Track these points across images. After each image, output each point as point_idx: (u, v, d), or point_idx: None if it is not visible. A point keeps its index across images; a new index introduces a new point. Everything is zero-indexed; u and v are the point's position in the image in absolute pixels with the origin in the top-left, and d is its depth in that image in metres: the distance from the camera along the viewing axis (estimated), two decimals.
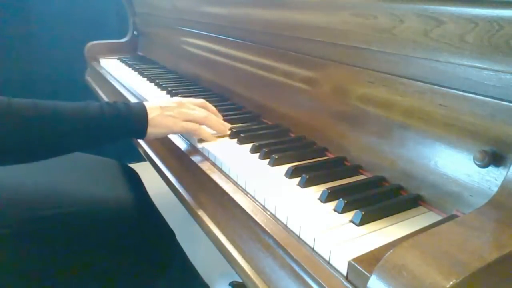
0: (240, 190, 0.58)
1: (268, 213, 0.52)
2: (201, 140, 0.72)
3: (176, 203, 0.76)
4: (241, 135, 0.72)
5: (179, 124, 0.70)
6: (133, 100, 1.07)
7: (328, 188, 0.52)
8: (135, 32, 1.75)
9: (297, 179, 0.57)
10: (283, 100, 0.81)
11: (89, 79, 1.57)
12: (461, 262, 0.31)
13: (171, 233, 0.93)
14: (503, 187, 0.42)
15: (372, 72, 0.62)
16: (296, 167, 0.59)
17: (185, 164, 0.73)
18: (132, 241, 0.81)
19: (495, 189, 0.43)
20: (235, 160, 0.64)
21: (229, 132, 0.75)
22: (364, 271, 0.37)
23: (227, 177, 0.62)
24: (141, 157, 0.93)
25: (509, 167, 0.42)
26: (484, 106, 0.47)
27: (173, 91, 1.04)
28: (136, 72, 1.32)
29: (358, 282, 0.38)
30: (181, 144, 0.76)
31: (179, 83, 1.17)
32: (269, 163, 0.63)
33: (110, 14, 1.92)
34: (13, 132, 0.58)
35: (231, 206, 0.56)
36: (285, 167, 0.60)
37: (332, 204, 0.50)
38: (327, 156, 0.67)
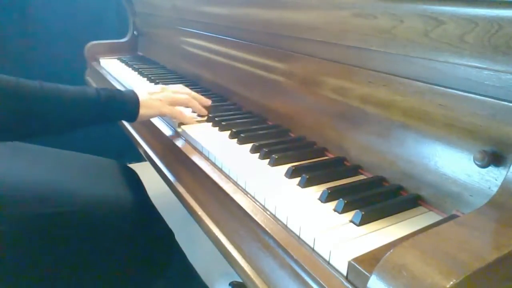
0: (240, 190, 0.58)
1: (268, 213, 0.52)
2: (181, 124, 0.81)
3: (175, 203, 0.76)
4: (241, 135, 0.72)
5: (166, 106, 0.80)
6: None
7: (328, 188, 0.52)
8: (135, 32, 1.75)
9: (297, 179, 0.57)
10: (283, 100, 0.81)
11: (89, 79, 1.57)
12: (461, 262, 0.31)
13: (170, 233, 0.93)
14: (503, 187, 0.42)
15: (372, 72, 0.62)
16: (296, 167, 0.59)
17: (185, 164, 0.73)
18: (131, 241, 0.81)
19: (495, 189, 0.43)
20: (235, 160, 0.64)
21: (206, 117, 0.85)
22: (364, 271, 0.37)
23: (227, 177, 0.61)
24: (140, 157, 0.93)
25: (509, 167, 0.42)
26: (484, 106, 0.47)
27: None
28: (136, 72, 1.32)
29: (358, 282, 0.38)
30: (181, 144, 0.76)
31: (179, 83, 1.17)
32: (269, 163, 0.63)
33: (110, 14, 1.92)
34: (20, 109, 0.64)
35: (231, 206, 0.56)
36: (285, 167, 0.60)
37: (332, 204, 0.50)
38: (327, 156, 0.67)
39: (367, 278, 0.33)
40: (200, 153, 0.71)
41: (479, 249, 0.33)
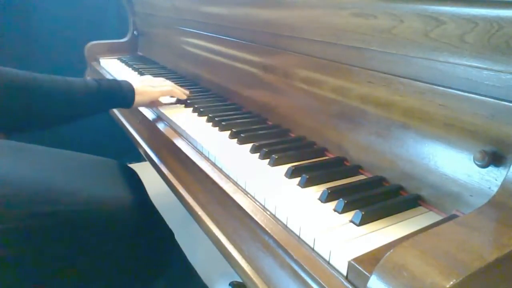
0: (240, 190, 0.58)
1: (268, 213, 0.52)
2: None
3: (175, 203, 0.76)
4: (241, 135, 0.72)
5: (157, 90, 0.92)
6: None
7: (328, 188, 0.52)
8: (135, 32, 1.75)
9: (297, 179, 0.57)
10: (283, 100, 0.81)
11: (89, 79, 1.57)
12: (461, 262, 0.31)
13: (170, 233, 0.93)
14: (503, 187, 0.42)
15: (372, 72, 0.62)
16: (296, 167, 0.59)
17: (184, 164, 0.73)
18: (131, 241, 0.81)
19: (495, 189, 0.43)
20: (235, 160, 0.64)
21: (187, 96, 0.98)
22: (364, 271, 0.37)
23: (227, 177, 0.61)
24: (140, 157, 0.93)
25: (509, 167, 0.42)
26: (484, 106, 0.47)
27: None
28: (136, 72, 1.32)
29: (358, 282, 0.38)
30: (182, 144, 0.76)
31: (179, 83, 1.17)
32: (269, 163, 0.63)
33: (110, 14, 1.92)
34: (35, 102, 0.72)
35: (231, 206, 0.56)
36: (285, 167, 0.60)
37: (332, 204, 0.50)
38: (327, 156, 0.67)
39: (367, 278, 0.33)
40: (200, 153, 0.71)
41: (479, 249, 0.33)
